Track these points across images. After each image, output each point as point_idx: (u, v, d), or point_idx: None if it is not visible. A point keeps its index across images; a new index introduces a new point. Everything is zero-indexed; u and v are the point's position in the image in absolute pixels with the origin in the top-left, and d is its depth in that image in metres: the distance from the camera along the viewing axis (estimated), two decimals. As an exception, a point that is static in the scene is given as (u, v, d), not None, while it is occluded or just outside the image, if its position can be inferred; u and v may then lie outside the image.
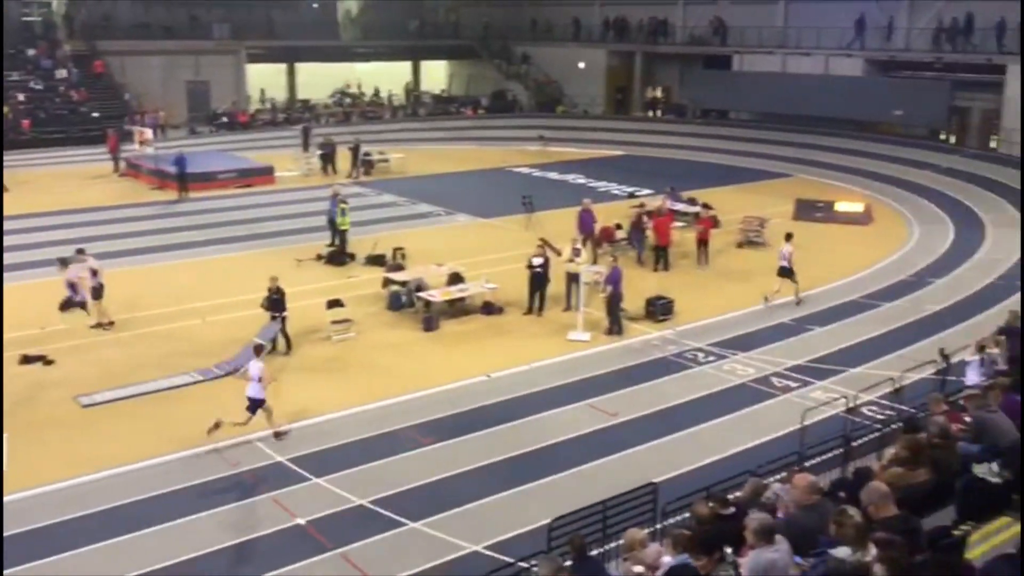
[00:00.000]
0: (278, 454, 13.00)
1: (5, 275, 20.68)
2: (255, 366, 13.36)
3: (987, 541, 6.89)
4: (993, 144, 35.96)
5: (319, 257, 23.29)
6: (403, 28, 53.38)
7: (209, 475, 12.42)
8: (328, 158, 35.70)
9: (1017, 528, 7.02)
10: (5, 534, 10.65)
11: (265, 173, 34.02)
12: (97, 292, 17.90)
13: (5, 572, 9.80)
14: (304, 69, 51.50)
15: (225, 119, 45.14)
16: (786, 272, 19.77)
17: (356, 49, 52.79)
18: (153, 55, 44.89)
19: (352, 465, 12.68)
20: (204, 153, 37.11)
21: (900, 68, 39.31)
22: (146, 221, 27.32)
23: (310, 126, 41.22)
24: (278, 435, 13.55)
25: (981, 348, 14.06)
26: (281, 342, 17.01)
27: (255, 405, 13.25)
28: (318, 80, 51.44)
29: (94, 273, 17.99)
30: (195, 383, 15.53)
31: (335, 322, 17.77)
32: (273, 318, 16.94)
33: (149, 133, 34.45)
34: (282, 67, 51.01)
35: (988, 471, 7.65)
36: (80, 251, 19.06)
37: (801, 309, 19.75)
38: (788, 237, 20.16)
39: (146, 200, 30.32)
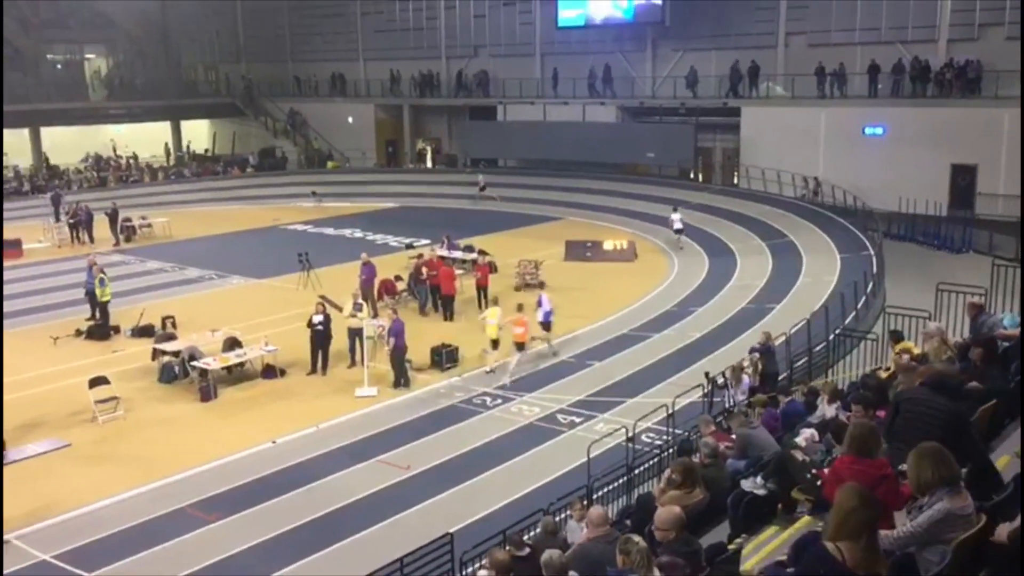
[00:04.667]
0: (42, 552, 11.84)
1: None
2: None
3: (760, 551, 7.38)
4: (735, 180, 39.29)
5: (78, 332, 21.65)
6: (159, 87, 51.23)
7: (-40, 587, 11.09)
8: (79, 226, 33.41)
9: (784, 535, 7.59)
10: None
11: (12, 247, 31.33)
12: None
13: None
14: (51, 133, 48.08)
15: (-39, 190, 41.19)
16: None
17: (108, 110, 50.02)
18: None
19: (130, 554, 11.78)
20: (-63, 228, 33.67)
21: (649, 114, 42.24)
22: None
23: (60, 193, 38.44)
24: None
25: (740, 368, 15.21)
26: None
27: None
28: (68, 144, 48.20)
29: None
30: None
31: (100, 401, 16.52)
32: None
33: None
34: (25, 132, 47.36)
35: (754, 484, 8.22)
36: None
37: (580, 345, 20.53)
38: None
39: None
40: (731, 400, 14.91)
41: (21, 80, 46.93)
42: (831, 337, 17.65)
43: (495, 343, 18.85)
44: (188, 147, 53.25)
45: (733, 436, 10.51)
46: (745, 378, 15.24)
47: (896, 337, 13.29)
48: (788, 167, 35.21)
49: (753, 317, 21.84)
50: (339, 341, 19.39)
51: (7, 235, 32.35)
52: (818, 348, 17.37)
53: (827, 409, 11.06)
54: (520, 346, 18.93)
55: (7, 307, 24.24)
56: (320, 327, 18.93)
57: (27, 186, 43.34)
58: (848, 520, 4.23)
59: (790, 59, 37.51)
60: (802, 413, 11.70)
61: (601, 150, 41.16)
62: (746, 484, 8.32)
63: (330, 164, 50.37)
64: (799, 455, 8.76)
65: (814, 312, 19.08)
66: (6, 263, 29.90)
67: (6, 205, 39.97)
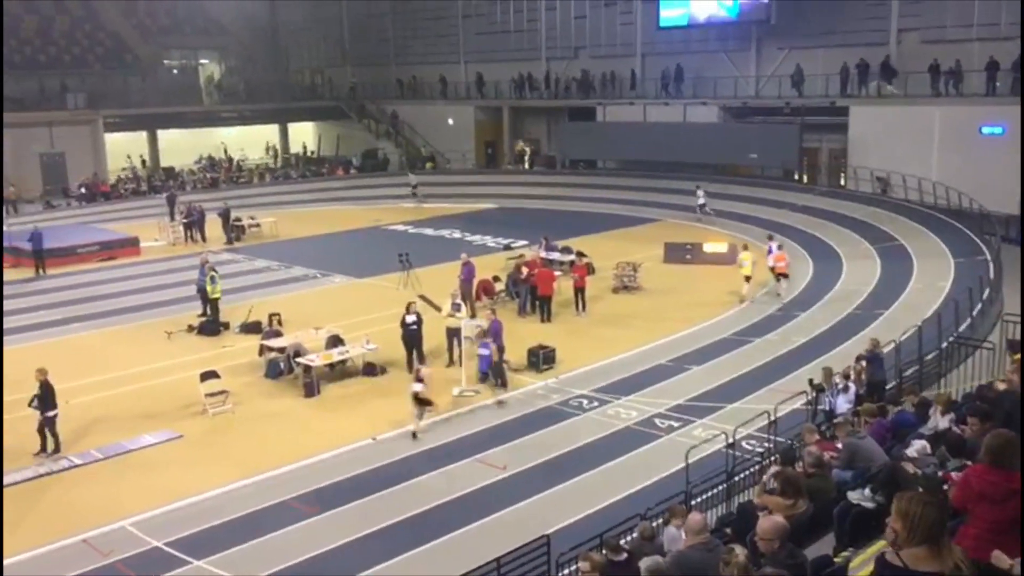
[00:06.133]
0: (154, 539, 12.34)
1: None
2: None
3: (867, 566, 7.12)
4: (842, 181, 38.12)
5: (191, 328, 22.50)
6: (268, 91, 52.94)
7: (79, 568, 11.64)
8: (193, 226, 34.75)
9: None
10: None
11: (129, 244, 32.83)
12: None
13: None
14: (167, 136, 50.19)
15: (84, 190, 43.40)
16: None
17: (220, 114, 51.93)
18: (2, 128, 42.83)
19: (235, 544, 12.15)
20: (63, 227, 35.57)
21: (752, 114, 41.40)
22: None
23: (175, 194, 40.05)
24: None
25: (846, 376, 14.74)
26: (50, 442, 15.12)
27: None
28: (182, 146, 50.25)
29: None
30: (72, 467, 14.75)
31: (210, 395, 17.11)
32: (44, 419, 14.98)
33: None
34: (143, 135, 49.55)
35: (862, 496, 7.94)
36: None
37: (677, 349, 20.27)
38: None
39: (-1, 279, 28.70)
40: (827, 404, 14.47)
41: (140, 85, 49.19)
42: (944, 345, 16.93)
43: (748, 278, 24.00)
44: (304, 149, 54.79)
45: (838, 445, 10.19)
46: (851, 386, 14.76)
47: (1014, 347, 12.64)
48: (899, 168, 33.96)
49: (860, 323, 21.15)
50: (438, 340, 19.61)
51: (127, 233, 33.92)
52: (930, 357, 16.68)
53: (940, 421, 10.61)
54: (780, 276, 24.48)
55: (126, 302, 25.45)
56: (413, 327, 19.19)
57: (144, 187, 45.37)
58: (917, 527, 4.23)
59: (902, 56, 36.16)
60: (913, 424, 11.25)
61: (702, 151, 40.58)
62: (853, 496, 8.05)
63: (428, 165, 51.08)
64: (910, 467, 8.43)
65: (926, 319, 18.33)
66: (124, 260, 31.38)
67: (125, 205, 42.05)
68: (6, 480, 14.11)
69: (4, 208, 32.68)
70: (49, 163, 44.56)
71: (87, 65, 49.54)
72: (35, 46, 49.01)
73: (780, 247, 25.12)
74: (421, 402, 15.82)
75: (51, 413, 15.08)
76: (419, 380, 16.02)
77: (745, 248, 25.01)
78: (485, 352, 17.77)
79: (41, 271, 29.17)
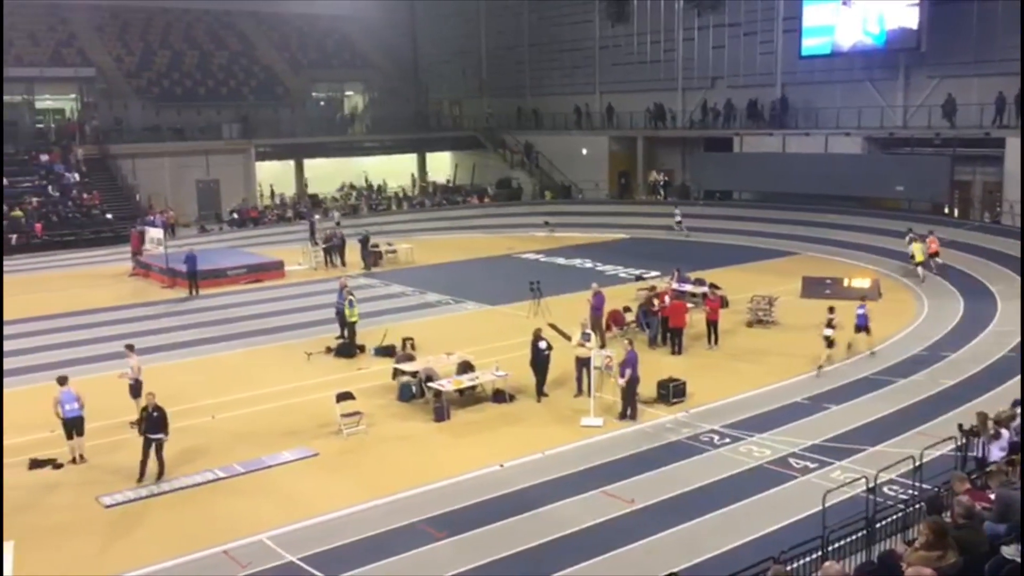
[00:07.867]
0: (289, 553, 12.75)
1: (8, 379, 20.62)
2: None
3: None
4: (998, 216, 36.11)
5: (328, 350, 23.27)
6: (409, 122, 54.63)
7: (219, 578, 12.17)
8: (333, 251, 36.05)
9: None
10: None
11: (275, 268, 34.31)
12: (135, 390, 17.84)
13: None
14: (312, 164, 52.43)
15: (235, 215, 45.78)
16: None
17: (363, 144, 53.90)
18: (164, 156, 45.96)
19: (366, 563, 12.41)
20: (215, 250, 37.59)
21: (899, 145, 39.85)
22: (156, 320, 27.45)
23: (314, 220, 41.62)
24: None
25: (999, 422, 13.88)
26: (153, 467, 15.26)
27: None
28: (327, 174, 52.35)
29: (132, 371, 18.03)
30: (216, 480, 15.42)
31: (345, 415, 17.63)
32: (148, 442, 15.13)
33: (158, 233, 34.89)
34: (291, 163, 51.94)
35: (1017, 552, 7.44)
36: (129, 347, 19.01)
37: (815, 387, 19.58)
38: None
39: (157, 299, 30.54)
40: (978, 450, 13.62)
41: (289, 116, 51.68)
42: (1111, 393, 15.70)
43: (920, 263, 29.35)
44: (449, 178, 55.93)
45: (991, 496, 9.58)
46: (1004, 433, 13.87)
47: None
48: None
49: (1015, 366, 19.86)
50: (565, 369, 19.61)
51: (272, 257, 35.52)
52: (1095, 405, 15.49)
53: (1107, 474, 9.84)
54: (933, 256, 29.99)
55: (270, 323, 26.61)
56: (546, 351, 19.28)
57: (290, 213, 47.45)
58: None
59: (1065, 84, 34.12)
60: (1075, 477, 10.46)
61: (844, 183, 39.35)
62: (1007, 551, 7.55)
63: (547, 194, 51.37)
64: (1072, 524, 7.84)
65: (1091, 364, 17.09)
66: (270, 283, 32.82)
67: (273, 230, 44.07)
68: (148, 492, 14.97)
69: (165, 232, 34.95)
70: (204, 190, 47.34)
71: (241, 97, 52.49)
72: (195, 79, 52.31)
73: (925, 236, 30.43)
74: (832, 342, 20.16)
75: (161, 437, 15.26)
76: (830, 325, 20.21)
77: (913, 240, 30.21)
78: (862, 311, 21.43)
79: (194, 291, 30.85)
